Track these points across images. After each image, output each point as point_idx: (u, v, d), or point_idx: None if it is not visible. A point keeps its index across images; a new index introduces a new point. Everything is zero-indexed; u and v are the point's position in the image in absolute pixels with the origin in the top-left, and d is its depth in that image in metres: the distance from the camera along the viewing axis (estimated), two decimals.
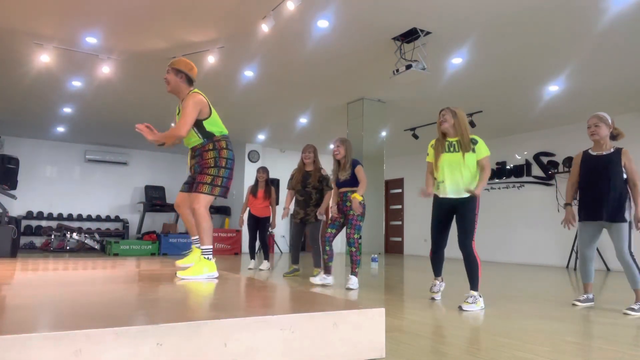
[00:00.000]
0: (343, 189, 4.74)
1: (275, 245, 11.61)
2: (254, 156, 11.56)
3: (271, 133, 10.42)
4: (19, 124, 9.66)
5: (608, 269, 7.97)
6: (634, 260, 3.53)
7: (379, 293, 4.36)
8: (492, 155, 10.32)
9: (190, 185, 3.48)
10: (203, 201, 3.24)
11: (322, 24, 5.01)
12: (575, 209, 4.26)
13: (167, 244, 9.79)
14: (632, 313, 3.44)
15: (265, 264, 6.61)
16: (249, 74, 6.56)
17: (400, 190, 12.74)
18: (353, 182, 4.67)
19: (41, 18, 4.98)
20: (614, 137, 3.75)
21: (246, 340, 1.70)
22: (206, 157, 3.31)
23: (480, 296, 3.59)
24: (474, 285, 3.57)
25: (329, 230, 4.71)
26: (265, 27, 4.90)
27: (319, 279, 4.83)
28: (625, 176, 3.61)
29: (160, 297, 2.33)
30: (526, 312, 3.44)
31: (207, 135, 3.34)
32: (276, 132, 10.28)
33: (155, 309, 1.95)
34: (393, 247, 12.88)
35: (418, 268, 7.49)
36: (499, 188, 10.13)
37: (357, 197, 4.55)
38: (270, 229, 6.70)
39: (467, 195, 3.59)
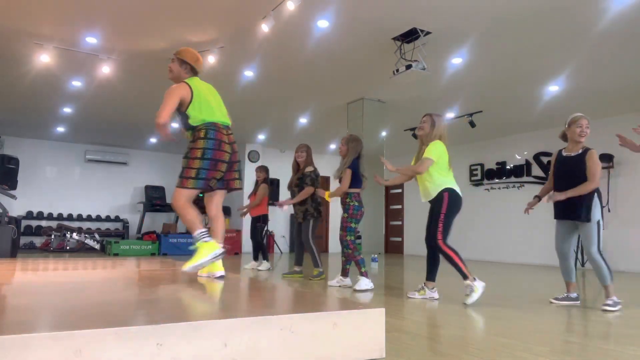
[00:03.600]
0: None
1: (275, 245, 11.61)
2: (254, 156, 11.57)
3: (271, 133, 10.42)
4: (19, 124, 9.66)
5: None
6: (603, 258, 3.65)
7: (379, 293, 4.36)
8: (492, 155, 10.33)
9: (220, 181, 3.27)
10: (176, 195, 3.09)
11: (322, 24, 5.01)
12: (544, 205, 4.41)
13: (167, 244, 9.79)
14: (610, 309, 3.56)
15: (264, 265, 6.59)
16: (249, 74, 6.56)
17: (400, 190, 12.74)
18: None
19: (41, 18, 4.98)
20: (566, 139, 3.94)
21: (246, 340, 1.70)
22: (186, 150, 3.17)
23: (475, 279, 3.75)
24: (463, 276, 3.74)
25: (341, 232, 4.67)
26: (265, 27, 4.90)
27: (336, 281, 4.80)
28: None
29: (160, 297, 2.32)
30: (526, 312, 3.44)
31: (186, 126, 3.20)
32: (276, 132, 10.28)
33: (155, 309, 1.95)
34: (393, 247, 12.88)
35: (418, 268, 7.49)
36: (499, 188, 10.13)
37: (326, 193, 4.67)
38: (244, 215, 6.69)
39: (432, 197, 3.90)
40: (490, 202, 10.27)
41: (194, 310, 1.88)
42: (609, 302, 3.61)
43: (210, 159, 3.09)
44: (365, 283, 4.44)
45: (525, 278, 6.21)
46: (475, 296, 3.67)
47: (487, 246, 10.23)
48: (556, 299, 3.93)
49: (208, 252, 3.01)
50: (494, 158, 10.27)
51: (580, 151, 3.80)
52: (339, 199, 4.73)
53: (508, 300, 4.04)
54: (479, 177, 10.57)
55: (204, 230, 3.07)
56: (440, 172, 3.89)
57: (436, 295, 4.00)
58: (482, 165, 10.55)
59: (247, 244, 11.05)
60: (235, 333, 1.68)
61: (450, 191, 3.85)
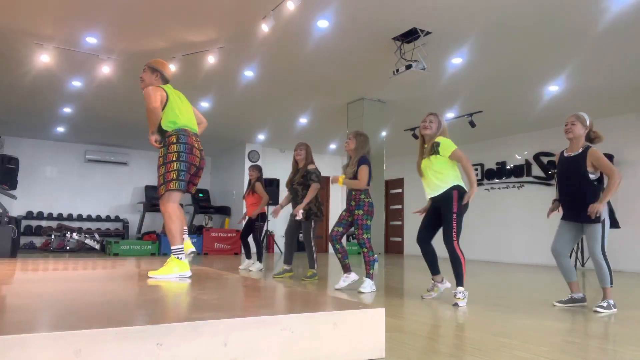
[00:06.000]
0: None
1: (275, 245, 11.61)
2: (254, 156, 11.57)
3: (271, 133, 10.42)
4: (19, 124, 9.66)
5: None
6: (606, 260, 3.54)
7: (379, 293, 4.36)
8: (492, 155, 10.32)
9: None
10: (165, 200, 3.27)
11: (322, 24, 5.01)
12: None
13: (167, 244, 9.77)
14: (602, 311, 3.49)
15: (256, 265, 6.40)
16: (249, 74, 6.56)
17: (400, 190, 12.74)
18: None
19: (41, 18, 4.98)
20: (591, 139, 3.74)
21: (246, 340, 1.70)
22: (159, 156, 3.36)
23: (466, 291, 3.75)
24: (459, 282, 3.70)
25: (336, 228, 4.51)
26: (265, 27, 4.90)
27: (342, 281, 4.58)
28: (593, 176, 3.59)
29: (160, 297, 2.33)
30: (526, 312, 3.44)
31: (161, 133, 3.38)
32: (276, 132, 10.28)
33: (155, 309, 1.95)
34: (393, 247, 12.88)
35: (418, 268, 7.49)
36: (499, 188, 10.13)
37: (339, 179, 4.46)
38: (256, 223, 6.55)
39: (442, 190, 3.77)
40: (490, 202, 10.27)
41: (194, 310, 1.88)
42: (604, 303, 3.53)
43: (185, 161, 3.31)
44: (370, 285, 4.33)
45: (525, 278, 6.21)
46: (465, 302, 3.66)
47: (487, 246, 10.23)
48: (560, 301, 3.80)
49: (178, 270, 3.23)
50: (494, 158, 10.27)
51: (580, 150, 3.67)
52: (340, 196, 4.69)
53: (508, 300, 4.04)
54: (479, 177, 10.57)
55: (181, 247, 3.27)
56: (447, 167, 3.80)
57: (448, 285, 4.06)
58: (482, 165, 10.55)
59: None
60: (235, 333, 1.68)
61: (459, 189, 3.77)
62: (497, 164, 10.18)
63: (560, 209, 3.86)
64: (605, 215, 3.55)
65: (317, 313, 1.88)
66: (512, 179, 9.89)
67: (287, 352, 1.77)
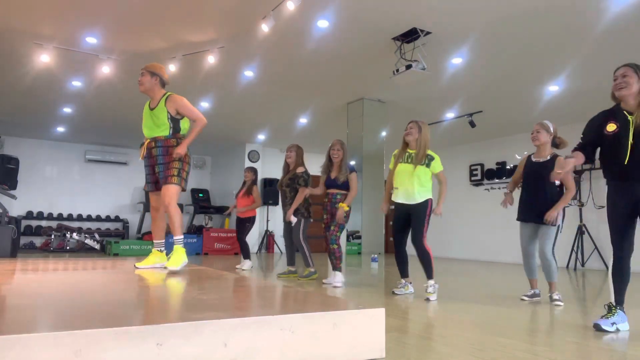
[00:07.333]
0: (333, 190, 4.95)
1: (275, 245, 11.61)
2: (254, 156, 11.57)
3: (271, 133, 10.42)
4: (19, 124, 9.66)
5: (607, 269, 7.97)
6: (555, 259, 3.94)
7: (379, 293, 4.36)
8: (492, 155, 10.34)
9: (156, 183, 3.85)
10: (173, 193, 3.58)
11: (322, 24, 5.01)
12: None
13: (167, 244, 9.72)
14: (560, 303, 3.83)
15: (247, 264, 6.48)
16: (249, 74, 6.56)
17: None
18: (345, 185, 4.91)
19: (41, 18, 4.98)
20: (556, 145, 4.05)
21: (246, 340, 1.70)
22: (172, 152, 3.64)
23: (436, 284, 4.10)
24: (429, 275, 4.14)
25: (333, 228, 4.89)
26: (265, 27, 4.90)
27: (331, 279, 4.90)
28: (558, 182, 3.89)
29: (160, 297, 2.33)
30: (526, 312, 3.44)
31: (176, 131, 3.70)
32: (276, 132, 10.28)
33: (155, 309, 1.95)
34: (393, 247, 12.86)
35: (417, 268, 7.49)
36: (499, 188, 10.13)
37: (343, 206, 4.84)
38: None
39: (421, 200, 4.11)
40: (490, 202, 10.27)
41: (194, 310, 1.88)
42: (555, 296, 3.90)
43: (190, 166, 3.79)
44: (340, 277, 4.81)
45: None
46: (436, 296, 4.02)
47: (486, 246, 10.23)
48: (526, 295, 4.15)
49: (185, 258, 3.65)
50: (494, 158, 10.27)
51: (548, 157, 3.96)
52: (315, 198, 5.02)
53: (508, 301, 4.05)
54: (479, 177, 10.57)
55: (182, 236, 3.70)
56: (429, 180, 4.20)
57: (412, 290, 4.46)
58: (482, 165, 10.55)
59: None
60: (235, 333, 1.68)
61: (431, 199, 4.19)
62: (497, 164, 10.18)
63: (509, 202, 4.15)
64: (560, 221, 3.91)
65: (317, 313, 1.88)
66: None
67: (287, 352, 1.77)
